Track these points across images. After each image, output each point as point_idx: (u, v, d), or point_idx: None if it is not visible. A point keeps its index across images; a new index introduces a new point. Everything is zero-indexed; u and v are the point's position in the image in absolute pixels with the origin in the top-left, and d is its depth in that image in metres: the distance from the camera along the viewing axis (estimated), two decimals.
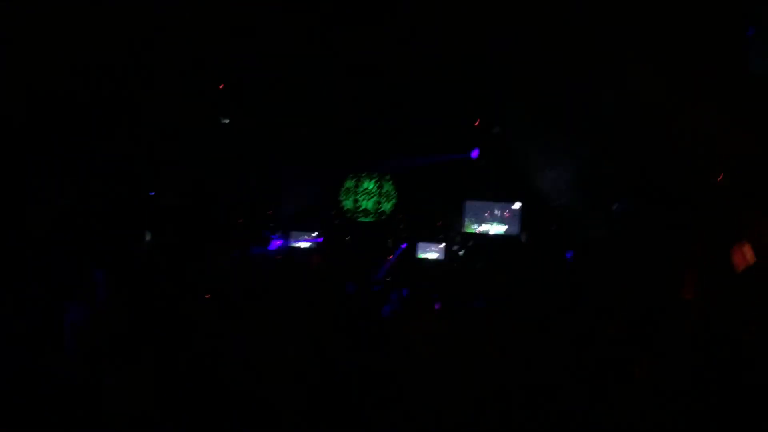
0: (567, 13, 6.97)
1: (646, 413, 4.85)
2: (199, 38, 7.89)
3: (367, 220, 14.01)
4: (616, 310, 7.06)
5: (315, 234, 16.36)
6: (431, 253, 15.60)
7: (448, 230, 15.52)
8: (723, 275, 6.98)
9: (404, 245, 11.33)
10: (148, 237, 10.87)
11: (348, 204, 13.93)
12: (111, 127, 8.76)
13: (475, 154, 11.72)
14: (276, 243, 15.47)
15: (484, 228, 12.98)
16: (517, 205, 12.65)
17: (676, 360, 5.43)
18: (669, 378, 5.20)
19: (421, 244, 15.61)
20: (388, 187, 13.86)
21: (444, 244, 15.58)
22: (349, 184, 13.92)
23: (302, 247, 16.39)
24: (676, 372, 5.24)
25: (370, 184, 13.82)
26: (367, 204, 13.85)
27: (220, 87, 9.73)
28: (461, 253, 15.13)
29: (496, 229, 12.84)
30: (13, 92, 6.98)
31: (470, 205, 13.01)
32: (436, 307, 8.53)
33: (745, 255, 7.05)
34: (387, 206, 13.88)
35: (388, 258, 15.70)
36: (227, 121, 10.40)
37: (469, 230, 13.07)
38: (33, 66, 6.77)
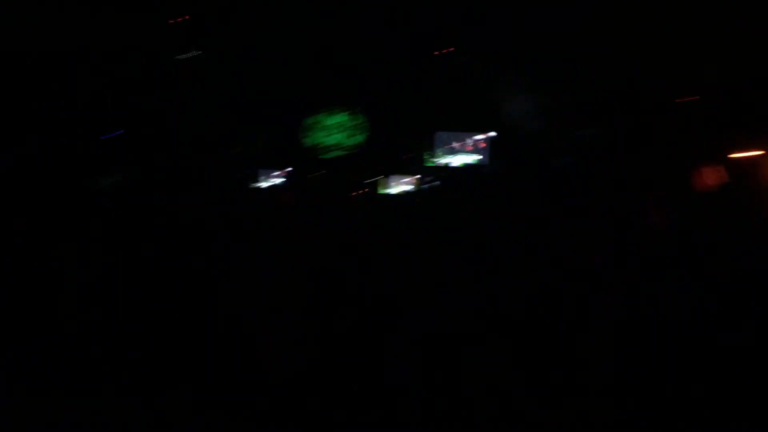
0: None
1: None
2: None
3: (338, 153, 13.91)
4: (588, 238, 7.12)
5: (286, 170, 16.24)
6: (402, 185, 15.60)
7: (419, 162, 15.49)
8: (692, 197, 7.06)
9: None
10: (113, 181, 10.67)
11: (318, 138, 13.79)
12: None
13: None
14: None
15: (454, 159, 12.94)
16: (487, 135, 12.59)
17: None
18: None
19: (393, 177, 15.60)
20: (358, 120, 13.72)
21: (413, 176, 15.58)
22: (319, 118, 13.75)
23: (273, 183, 16.29)
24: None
25: (340, 118, 13.66)
26: (337, 138, 13.73)
27: (184, 18, 9.41)
28: (432, 185, 15.14)
29: (467, 159, 12.81)
30: None
31: (440, 135, 12.92)
32: None
33: (718, 173, 7.13)
34: (358, 139, 13.78)
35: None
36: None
37: (438, 160, 13.05)
38: None
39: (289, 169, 16.34)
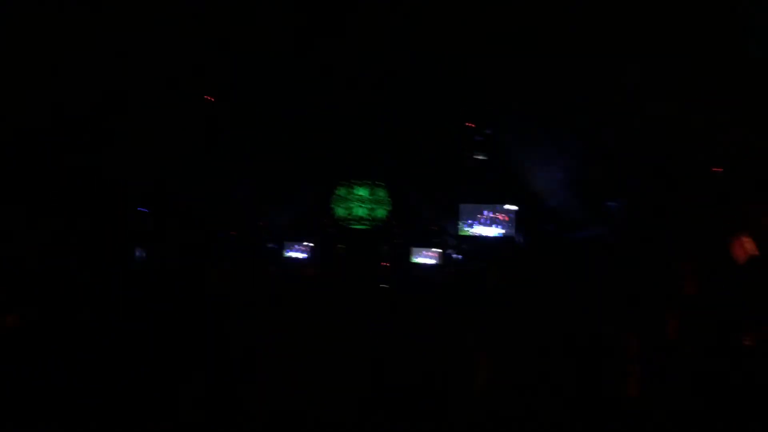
0: (560, 14, 6.92)
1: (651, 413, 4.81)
2: (187, 49, 7.78)
3: (361, 227, 13.93)
4: (617, 310, 7.00)
5: (307, 244, 16.29)
6: (426, 257, 15.55)
7: (443, 234, 15.48)
8: (725, 269, 6.91)
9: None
10: (140, 254, 10.73)
11: (341, 211, 13.85)
12: (100, 143, 8.63)
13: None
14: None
15: (478, 230, 12.88)
16: (511, 207, 12.57)
17: (679, 357, 5.38)
18: (672, 375, 5.16)
19: (415, 249, 15.57)
20: (381, 193, 13.80)
21: (438, 248, 15.54)
22: (342, 191, 13.84)
23: (295, 257, 16.31)
24: (679, 369, 5.19)
25: (362, 191, 13.75)
26: (361, 211, 13.78)
27: (208, 99, 9.62)
28: (455, 256, 15.07)
29: (492, 231, 12.75)
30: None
31: (465, 207, 12.92)
32: None
33: (746, 247, 6.98)
34: (381, 212, 13.81)
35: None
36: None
37: (463, 233, 12.98)
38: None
39: (310, 244, 16.41)
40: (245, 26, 7.33)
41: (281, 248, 16.42)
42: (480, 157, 10.70)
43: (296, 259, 16.36)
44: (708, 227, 7.62)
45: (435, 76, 9.01)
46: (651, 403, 5.09)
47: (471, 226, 12.84)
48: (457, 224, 12.97)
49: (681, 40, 5.93)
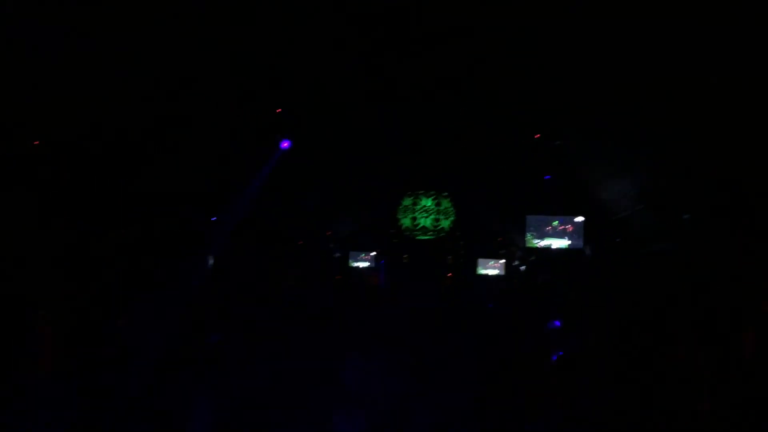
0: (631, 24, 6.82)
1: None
2: (252, 65, 8.02)
3: (426, 237, 13.98)
4: (686, 326, 6.81)
5: (373, 254, 16.43)
6: (491, 269, 15.46)
7: (509, 246, 15.36)
8: None
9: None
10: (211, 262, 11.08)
11: (406, 222, 13.94)
12: (167, 152, 8.95)
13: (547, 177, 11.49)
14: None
15: (546, 242, 12.70)
16: (579, 219, 12.36)
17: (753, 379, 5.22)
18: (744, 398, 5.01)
19: (481, 260, 15.49)
20: (446, 204, 13.81)
21: (504, 259, 15.42)
22: (407, 202, 13.93)
23: (360, 266, 16.48)
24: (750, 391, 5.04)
25: (427, 202, 13.80)
26: (426, 221, 13.83)
27: (277, 111, 9.85)
28: (523, 268, 14.93)
29: (559, 243, 12.55)
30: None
31: (532, 219, 12.77)
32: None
33: None
34: (446, 223, 13.82)
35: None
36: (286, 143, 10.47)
37: (530, 245, 12.82)
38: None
39: (374, 253, 16.54)
40: (312, 42, 7.50)
41: (347, 257, 16.62)
42: (557, 143, 10.49)
43: (361, 268, 16.53)
44: None
45: (504, 85, 8.98)
46: (724, 421, 4.96)
47: (539, 237, 12.68)
48: (525, 236, 12.82)
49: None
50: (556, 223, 12.55)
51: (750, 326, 6.55)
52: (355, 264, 16.63)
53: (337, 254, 16.56)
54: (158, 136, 8.45)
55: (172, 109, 8.09)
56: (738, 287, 7.68)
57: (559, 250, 12.52)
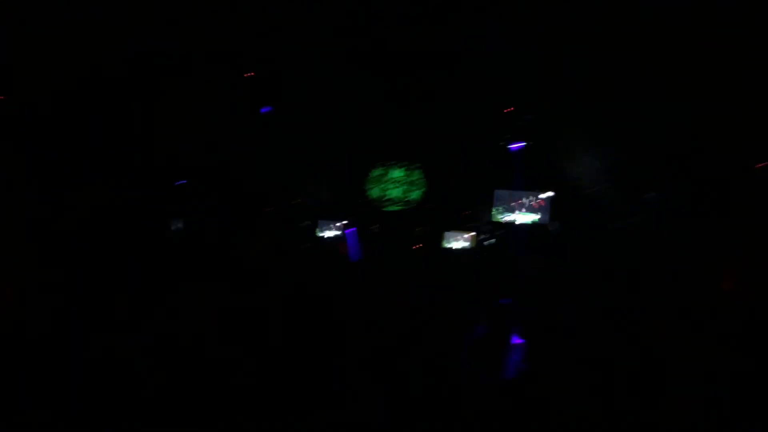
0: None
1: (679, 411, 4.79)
2: (228, 30, 7.87)
3: (395, 208, 13.97)
4: (652, 304, 6.95)
5: (344, 223, 16.36)
6: (458, 242, 15.51)
7: (477, 219, 15.42)
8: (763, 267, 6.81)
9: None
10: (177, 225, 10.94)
11: (375, 192, 13.90)
12: (135, 119, 8.78)
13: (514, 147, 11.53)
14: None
15: (510, 217, 12.79)
16: (547, 194, 12.45)
17: (716, 357, 5.34)
18: (708, 376, 5.12)
19: (448, 233, 15.53)
20: (416, 175, 13.80)
21: (472, 233, 15.47)
22: (377, 172, 13.88)
23: (330, 236, 16.40)
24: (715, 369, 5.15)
25: (399, 173, 13.77)
26: (395, 192, 13.81)
27: (246, 75, 9.71)
28: (489, 242, 15.02)
29: (524, 218, 12.65)
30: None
31: (499, 193, 12.83)
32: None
33: None
34: (415, 195, 13.82)
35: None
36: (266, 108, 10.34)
37: (496, 219, 12.90)
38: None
39: (346, 221, 16.46)
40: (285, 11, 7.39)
41: (316, 226, 16.52)
42: (520, 144, 10.59)
43: (330, 237, 16.46)
44: (745, 225, 7.51)
45: (476, 59, 8.96)
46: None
47: (506, 212, 12.76)
48: (492, 210, 12.89)
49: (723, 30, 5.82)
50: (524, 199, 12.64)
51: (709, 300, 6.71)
52: (324, 233, 16.55)
53: (306, 223, 16.46)
54: (126, 100, 8.28)
55: (138, 74, 7.93)
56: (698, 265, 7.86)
57: (524, 226, 12.63)
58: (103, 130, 7.95)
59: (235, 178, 11.98)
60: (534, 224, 12.59)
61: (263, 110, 10.15)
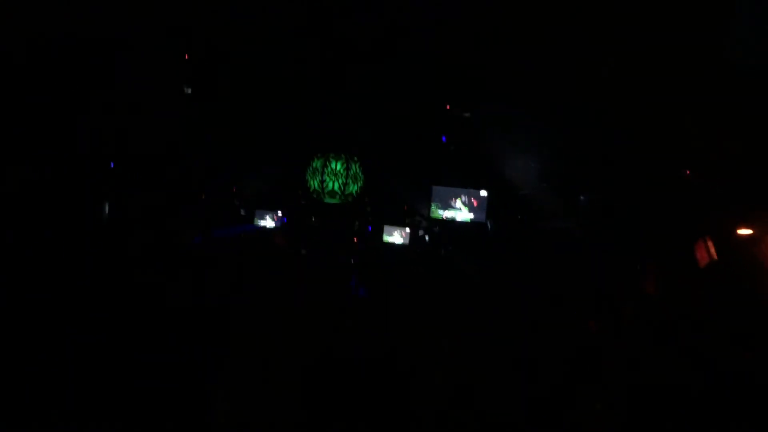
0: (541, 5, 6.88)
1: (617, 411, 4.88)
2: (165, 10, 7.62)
3: (333, 201, 13.85)
4: (580, 303, 7.08)
5: (279, 214, 16.18)
6: (396, 237, 15.56)
7: (414, 215, 15.48)
8: (687, 271, 7.01)
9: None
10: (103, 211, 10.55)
11: (314, 184, 13.74)
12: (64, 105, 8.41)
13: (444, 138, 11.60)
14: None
15: (450, 214, 12.85)
16: (483, 193, 12.57)
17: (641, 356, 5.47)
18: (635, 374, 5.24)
19: (386, 228, 15.55)
20: (355, 168, 13.70)
21: (409, 228, 15.54)
22: (317, 163, 13.72)
23: (266, 227, 16.19)
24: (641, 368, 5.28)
25: (337, 165, 13.64)
26: (334, 185, 13.68)
27: (185, 57, 9.41)
28: (426, 238, 15.11)
29: (463, 215, 12.73)
30: None
31: (437, 189, 12.88)
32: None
33: (709, 250, 7.08)
34: (354, 188, 13.73)
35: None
36: (188, 91, 10.03)
37: (435, 216, 12.96)
38: None
39: (280, 212, 16.29)
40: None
41: (252, 216, 16.28)
42: (465, 115, 10.57)
43: (266, 227, 16.24)
44: (674, 229, 7.71)
45: (418, 55, 8.93)
46: None
47: (443, 208, 12.82)
48: (430, 206, 12.93)
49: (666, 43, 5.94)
50: (461, 197, 12.72)
51: (629, 301, 6.88)
52: (261, 223, 16.32)
53: (242, 212, 16.21)
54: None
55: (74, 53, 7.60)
56: (625, 268, 8.05)
57: (463, 223, 12.72)
58: (30, 117, 7.56)
59: (168, 165, 11.63)
60: (473, 222, 12.69)
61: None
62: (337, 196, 13.74)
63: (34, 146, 7.64)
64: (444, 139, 11.58)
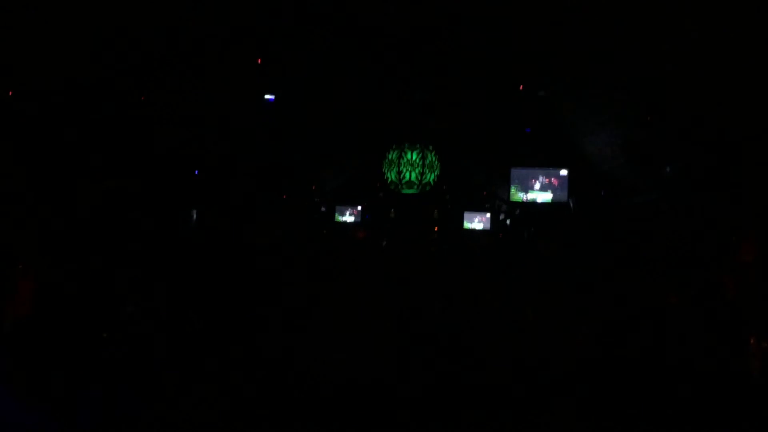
0: None
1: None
2: (236, 13, 7.82)
3: (411, 191, 13.91)
4: (665, 280, 6.84)
5: (359, 208, 16.37)
6: (476, 223, 15.45)
7: (494, 199, 15.32)
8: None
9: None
10: (194, 215, 11.01)
11: (391, 176, 13.85)
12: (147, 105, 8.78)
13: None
14: None
15: (530, 196, 12.65)
16: (563, 172, 12.29)
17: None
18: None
19: (467, 214, 15.47)
20: (431, 157, 13.71)
21: (489, 213, 15.40)
22: (392, 155, 13.82)
23: (347, 221, 16.44)
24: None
25: (413, 155, 13.69)
26: (411, 175, 13.74)
27: (258, 61, 9.65)
28: (507, 222, 14.92)
29: (544, 196, 12.50)
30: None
31: (516, 172, 12.69)
32: None
33: None
34: (431, 177, 13.75)
35: None
36: (271, 97, 10.31)
37: (515, 198, 12.77)
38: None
39: (359, 207, 16.48)
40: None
41: (332, 212, 16.56)
42: (540, 93, 10.36)
43: (347, 222, 16.50)
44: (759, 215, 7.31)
45: (488, 37, 8.82)
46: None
47: (523, 191, 12.63)
48: (509, 189, 12.76)
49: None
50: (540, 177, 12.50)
51: (727, 275, 6.57)
52: (342, 219, 16.58)
53: (323, 209, 16.50)
54: (140, 87, 8.30)
55: (150, 61, 7.92)
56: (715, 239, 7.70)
57: (544, 204, 12.49)
58: (103, 126, 7.96)
59: (247, 169, 11.99)
60: (554, 202, 12.44)
61: (269, 99, 10.11)
62: (415, 186, 13.79)
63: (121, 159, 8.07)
64: (528, 130, 11.39)
